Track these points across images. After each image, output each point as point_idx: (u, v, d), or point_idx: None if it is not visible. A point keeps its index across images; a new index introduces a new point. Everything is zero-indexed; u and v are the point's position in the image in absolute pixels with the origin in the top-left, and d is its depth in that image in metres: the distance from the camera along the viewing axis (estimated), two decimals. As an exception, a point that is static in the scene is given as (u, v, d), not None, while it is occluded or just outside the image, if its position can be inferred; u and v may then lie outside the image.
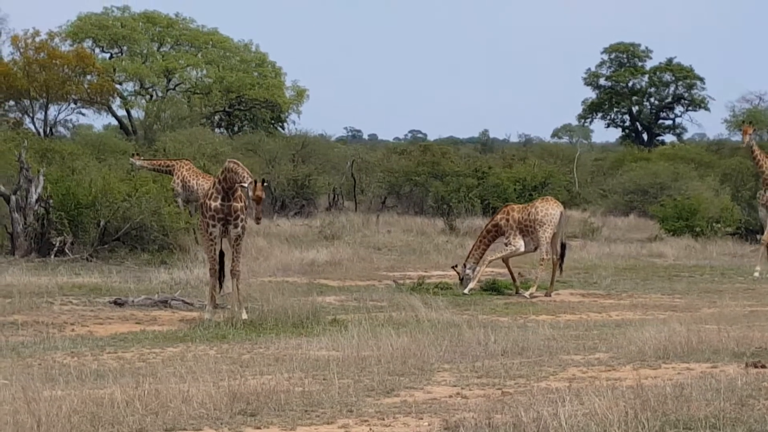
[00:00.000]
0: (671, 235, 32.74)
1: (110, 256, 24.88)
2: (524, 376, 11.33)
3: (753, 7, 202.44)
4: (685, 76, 76.83)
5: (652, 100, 78.36)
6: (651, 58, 78.37)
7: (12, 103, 50.34)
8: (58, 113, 51.95)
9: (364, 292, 20.53)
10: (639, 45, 78.39)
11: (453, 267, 22.28)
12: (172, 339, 15.10)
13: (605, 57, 78.21)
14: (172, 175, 30.51)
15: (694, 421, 8.72)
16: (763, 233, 25.60)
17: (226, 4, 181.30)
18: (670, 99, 78.03)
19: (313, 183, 41.63)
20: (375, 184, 44.21)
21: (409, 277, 22.82)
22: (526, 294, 20.87)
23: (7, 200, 24.92)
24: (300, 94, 60.59)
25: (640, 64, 77.99)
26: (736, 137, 58.17)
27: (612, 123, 79.52)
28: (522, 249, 21.64)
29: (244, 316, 16.64)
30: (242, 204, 17.20)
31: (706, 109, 77.59)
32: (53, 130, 51.26)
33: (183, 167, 30.62)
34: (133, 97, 57.09)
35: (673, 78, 77.35)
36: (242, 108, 59.79)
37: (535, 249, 21.65)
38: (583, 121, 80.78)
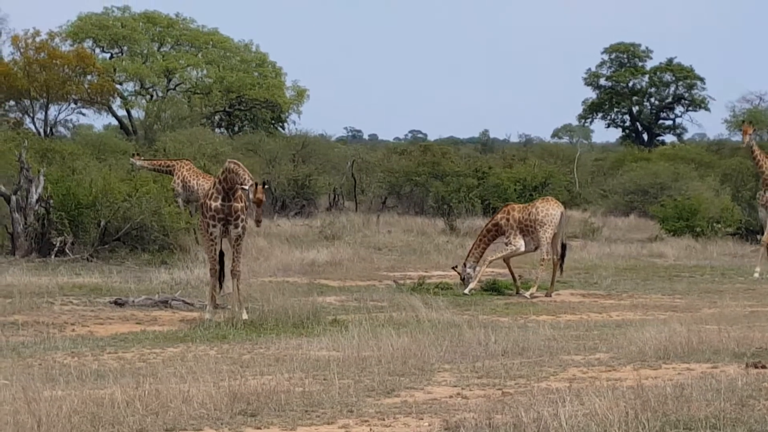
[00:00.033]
0: (671, 236, 32.73)
1: (111, 256, 24.88)
2: (525, 376, 11.33)
3: (753, 7, 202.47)
4: (686, 76, 76.85)
5: (652, 100, 78.38)
6: (651, 59, 78.50)
7: (12, 103, 50.37)
8: (59, 113, 52.04)
9: (364, 293, 20.52)
10: (639, 45, 78.51)
11: (453, 268, 22.28)
12: (173, 339, 15.09)
13: (605, 57, 78.30)
14: (173, 175, 30.51)
15: (694, 421, 8.72)
16: (763, 234, 25.60)
17: (226, 4, 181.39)
18: (670, 99, 78.05)
19: (314, 183, 41.63)
20: (375, 184, 44.21)
21: (410, 278, 22.82)
22: (527, 294, 20.86)
23: (8, 200, 24.92)
24: (300, 94, 60.61)
25: (640, 64, 78.02)
26: (737, 137, 58.18)
27: (612, 123, 79.56)
28: (522, 249, 21.64)
29: (245, 316, 16.63)
30: (243, 204, 17.20)
31: (707, 109, 77.69)
32: (53, 130, 51.28)
33: (183, 167, 30.63)
34: (133, 97, 57.12)
35: (674, 78, 77.36)
36: (242, 108, 59.79)
37: (536, 249, 21.64)
38: (583, 121, 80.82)
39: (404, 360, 12.19)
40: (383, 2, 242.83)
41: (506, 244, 21.67)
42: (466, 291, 21.09)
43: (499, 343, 13.33)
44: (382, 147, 66.37)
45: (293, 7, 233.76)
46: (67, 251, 24.58)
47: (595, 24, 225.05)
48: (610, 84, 78.03)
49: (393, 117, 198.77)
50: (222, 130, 58.71)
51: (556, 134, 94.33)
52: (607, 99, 77.84)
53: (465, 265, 21.79)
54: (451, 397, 10.35)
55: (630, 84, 77.66)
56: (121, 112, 56.47)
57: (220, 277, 17.66)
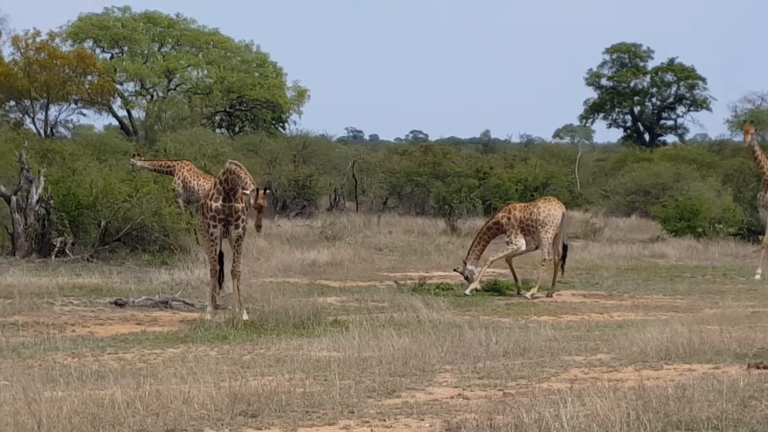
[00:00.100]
0: (673, 236, 32.71)
1: (111, 256, 24.87)
2: (526, 377, 11.31)
3: (754, 7, 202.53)
4: (687, 76, 76.85)
5: (653, 100, 78.38)
6: (653, 59, 78.49)
7: (13, 103, 50.40)
8: (59, 114, 52.07)
9: (365, 293, 20.50)
10: (641, 45, 78.50)
11: (455, 270, 22.25)
12: (173, 340, 15.08)
13: (607, 57, 78.30)
14: (173, 176, 30.50)
15: (696, 422, 8.71)
16: (764, 234, 25.57)
17: (227, 4, 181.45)
18: (671, 99, 78.05)
19: (314, 183, 41.62)
20: (376, 184, 44.20)
21: (411, 278, 22.80)
22: (528, 295, 20.84)
23: (8, 201, 24.91)
24: (301, 95, 60.62)
25: (641, 64, 78.02)
26: (738, 137, 58.08)
27: (614, 123, 79.57)
28: (523, 248, 21.61)
29: (245, 316, 16.61)
30: (243, 205, 17.17)
31: (708, 109, 77.70)
32: (54, 130, 51.30)
33: (184, 168, 30.62)
34: (133, 98, 57.14)
35: (675, 78, 77.36)
36: (243, 108, 59.80)
37: (536, 248, 21.61)
38: (584, 121, 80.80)
39: (405, 361, 12.18)
40: (384, 2, 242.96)
41: (507, 243, 21.65)
42: (467, 291, 21.07)
43: (501, 343, 13.31)
44: (383, 147, 66.36)
45: (294, 8, 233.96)
46: (68, 252, 24.57)
47: (596, 24, 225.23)
48: (611, 84, 78.02)
49: (394, 117, 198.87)
50: (223, 130, 58.73)
51: (557, 134, 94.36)
52: (609, 99, 77.84)
53: (465, 263, 21.78)
54: (452, 397, 10.34)
55: (631, 84, 77.67)
56: (122, 113, 56.53)
57: (219, 277, 17.64)
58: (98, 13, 58.21)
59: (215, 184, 17.49)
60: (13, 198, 24.77)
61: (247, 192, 16.72)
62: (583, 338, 14.50)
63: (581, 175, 47.71)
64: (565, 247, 21.70)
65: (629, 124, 79.12)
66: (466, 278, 21.67)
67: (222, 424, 9.21)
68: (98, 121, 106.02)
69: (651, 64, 78.20)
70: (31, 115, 50.55)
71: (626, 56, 77.78)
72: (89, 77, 50.62)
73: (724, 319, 15.21)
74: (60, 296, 18.88)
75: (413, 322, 16.01)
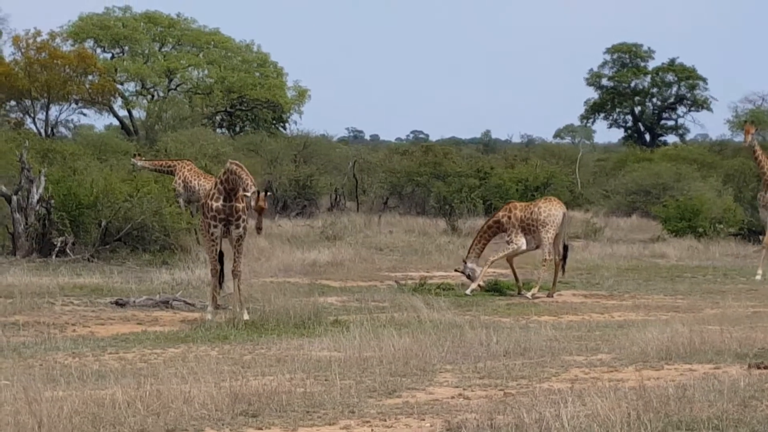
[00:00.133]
0: (674, 236, 32.71)
1: (111, 256, 24.88)
2: (526, 377, 11.31)
3: (754, 7, 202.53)
4: (688, 76, 76.85)
5: (654, 100, 78.39)
6: (653, 59, 78.51)
7: (13, 103, 50.42)
8: (60, 113, 52.09)
9: (365, 293, 20.50)
10: (641, 45, 78.52)
11: (456, 270, 22.24)
12: (174, 339, 15.08)
13: (607, 57, 78.31)
14: (174, 176, 30.51)
15: (696, 422, 8.71)
16: (764, 234, 25.57)
17: (227, 4, 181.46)
18: (672, 99, 78.06)
19: (315, 183, 41.63)
20: (377, 184, 44.21)
21: (411, 278, 22.80)
22: (529, 295, 20.84)
23: (9, 201, 24.91)
24: (301, 95, 60.62)
25: (642, 64, 78.02)
26: (739, 137, 58.02)
27: (614, 123, 79.58)
28: (524, 247, 21.60)
29: (246, 316, 16.61)
30: (244, 204, 17.17)
31: (709, 109, 77.71)
32: (54, 130, 51.31)
33: (184, 167, 30.63)
34: (134, 98, 57.16)
35: (676, 78, 77.37)
36: (244, 108, 59.81)
37: (536, 247, 21.60)
38: (585, 121, 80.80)
39: (406, 360, 12.17)
40: (384, 2, 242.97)
41: (507, 243, 21.65)
42: (468, 291, 21.07)
43: (501, 343, 13.31)
44: (383, 147, 66.38)
45: (294, 8, 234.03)
46: (68, 251, 24.57)
47: (597, 24, 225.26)
48: (612, 84, 78.03)
49: (394, 117, 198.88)
50: (223, 130, 58.74)
51: (558, 134, 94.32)
52: (609, 99, 77.84)
53: (465, 261, 21.77)
54: (452, 397, 10.34)
55: (632, 84, 77.67)
56: (123, 113, 56.56)
57: (220, 277, 17.65)
58: (99, 12, 58.27)
59: (216, 184, 17.49)
60: (14, 198, 24.78)
61: (248, 194, 16.72)
62: (583, 338, 14.50)
63: (582, 175, 47.71)
64: (565, 248, 21.70)
65: (630, 124, 79.13)
66: (468, 277, 21.67)
67: (223, 424, 9.21)
68: (99, 121, 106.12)
69: (652, 64, 78.32)
70: (32, 114, 50.57)
71: (627, 56, 77.78)
72: (90, 77, 50.64)
73: (724, 320, 15.21)
74: (61, 296, 18.88)
75: (414, 322, 16.01)
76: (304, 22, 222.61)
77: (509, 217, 21.61)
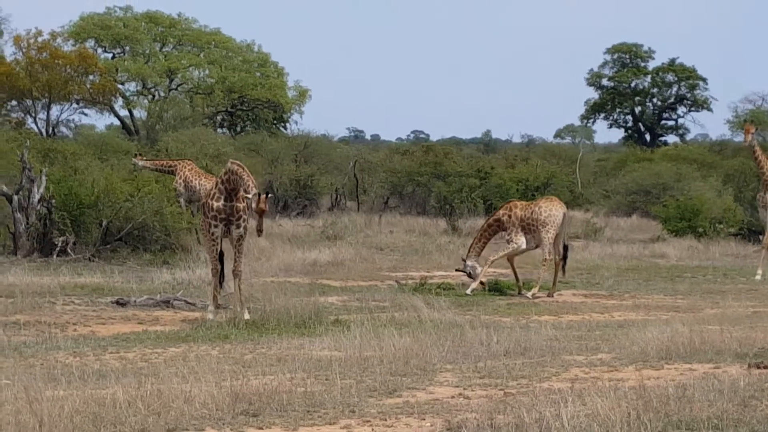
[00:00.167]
0: (674, 236, 32.73)
1: (112, 256, 24.90)
2: (526, 376, 11.32)
3: (754, 7, 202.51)
4: (688, 76, 76.87)
5: (654, 100, 78.40)
6: (654, 59, 78.54)
7: (14, 103, 50.41)
8: (61, 113, 52.09)
9: (366, 293, 20.52)
10: (642, 45, 78.54)
11: (456, 269, 22.26)
12: (175, 339, 15.09)
13: (608, 57, 78.33)
14: (175, 176, 30.53)
15: (696, 422, 8.72)
16: (764, 234, 25.59)
17: (228, 4, 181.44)
18: (672, 99, 78.07)
19: (316, 183, 41.66)
20: (377, 184, 44.23)
21: (412, 278, 22.82)
22: (529, 294, 20.86)
23: (10, 200, 24.94)
24: (302, 95, 60.64)
25: (642, 64, 78.03)
26: (739, 137, 58.05)
27: (615, 123, 79.59)
28: (524, 246, 21.62)
29: (247, 316, 16.63)
30: (244, 204, 17.18)
31: (709, 109, 77.74)
32: (55, 130, 51.32)
33: (185, 167, 30.65)
34: (135, 97, 57.19)
35: (676, 78, 77.38)
36: (244, 108, 59.83)
37: (536, 247, 21.62)
38: (585, 121, 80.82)
39: (406, 360, 12.19)
40: (384, 2, 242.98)
41: (507, 242, 21.67)
42: (469, 291, 21.09)
43: (501, 343, 13.32)
44: (384, 147, 66.39)
45: (295, 8, 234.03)
46: (69, 251, 24.59)
47: (597, 24, 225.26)
48: (612, 84, 78.04)
49: (395, 117, 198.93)
50: (224, 130, 58.77)
51: (558, 134, 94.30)
52: (610, 99, 77.86)
53: (465, 260, 21.79)
54: (453, 397, 10.35)
55: (632, 84, 77.68)
56: (123, 112, 56.59)
57: (219, 276, 17.66)
58: (100, 12, 58.30)
59: (216, 184, 17.50)
60: (15, 197, 24.81)
61: (249, 196, 16.72)
62: (583, 338, 14.52)
63: (582, 175, 47.72)
64: (566, 248, 21.71)
65: (630, 124, 79.14)
66: (469, 275, 21.69)
67: (223, 424, 9.22)
68: (100, 120, 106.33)
69: (652, 65, 78.34)
70: (33, 114, 50.58)
71: (627, 56, 77.79)
72: (91, 77, 50.65)
73: (724, 319, 15.22)
74: (62, 295, 18.89)
75: (414, 322, 16.02)
76: (304, 22, 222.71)
77: (509, 216, 21.62)
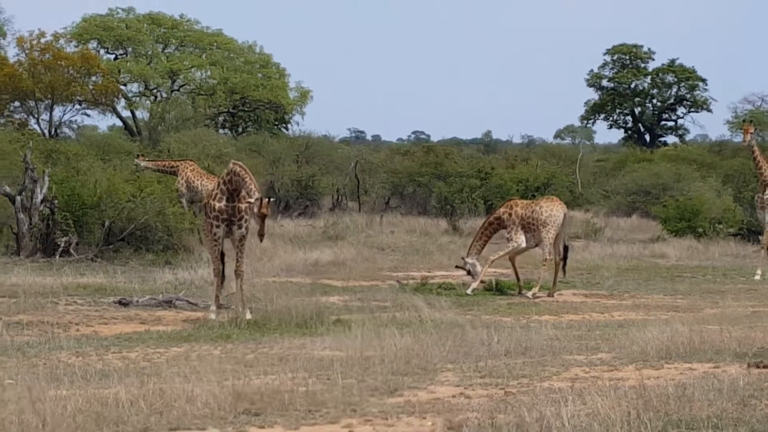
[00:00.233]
0: (673, 236, 32.76)
1: (115, 256, 24.94)
2: (527, 376, 11.36)
3: (754, 8, 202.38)
4: (688, 77, 76.83)
5: (654, 101, 78.36)
6: (653, 60, 78.48)
7: (17, 104, 50.45)
8: (63, 114, 52.14)
9: (367, 293, 20.56)
10: (641, 46, 78.47)
11: (457, 266, 22.30)
12: (177, 339, 15.12)
13: (608, 58, 78.27)
14: (177, 176, 30.57)
15: (696, 421, 8.76)
16: (763, 235, 25.62)
17: (230, 5, 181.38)
18: (672, 100, 78.03)
19: (317, 184, 41.68)
20: (378, 184, 44.24)
21: (413, 278, 22.85)
22: (529, 294, 20.89)
23: (13, 201, 24.98)
24: (304, 95, 60.69)
25: (642, 65, 77.97)
26: (738, 138, 58.12)
27: (614, 124, 79.54)
28: (523, 245, 21.66)
29: (248, 316, 16.67)
30: (246, 205, 17.20)
31: (709, 110, 77.67)
32: (58, 130, 51.35)
33: (187, 168, 30.69)
34: (137, 98, 57.25)
35: (676, 79, 77.33)
36: (246, 109, 59.87)
37: (536, 245, 21.66)
38: (585, 122, 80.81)
39: (407, 360, 12.22)
40: (384, 3, 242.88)
41: (507, 240, 21.70)
42: (469, 291, 21.12)
43: (502, 342, 13.36)
44: (385, 148, 66.38)
45: (297, 9, 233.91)
46: (72, 251, 24.63)
47: (597, 25, 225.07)
48: (612, 85, 78.00)
49: (396, 118, 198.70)
50: (226, 131, 58.82)
51: (558, 135, 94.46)
52: (610, 100, 77.82)
53: (465, 259, 21.82)
54: (454, 396, 10.38)
55: (632, 85, 77.64)
56: (126, 113, 56.61)
57: (221, 276, 17.70)
58: (102, 14, 58.38)
59: (218, 185, 17.53)
60: (18, 198, 24.85)
61: (252, 200, 16.73)
62: (584, 337, 14.54)
63: (582, 175, 47.72)
64: (566, 248, 21.75)
65: (630, 124, 79.10)
66: (468, 272, 21.73)
67: (225, 423, 9.25)
68: (102, 121, 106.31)
69: (652, 65, 78.28)
70: (36, 115, 50.65)
71: (627, 57, 77.75)
72: (93, 78, 50.69)
73: (724, 319, 15.25)
74: (64, 296, 18.92)
75: (415, 322, 16.04)
76: (306, 23, 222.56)
77: (510, 214, 21.67)
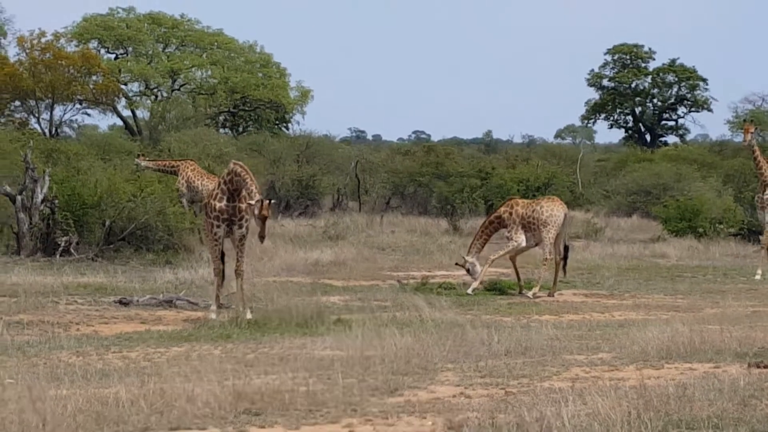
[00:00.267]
0: (674, 236, 32.76)
1: (115, 255, 24.95)
2: (527, 375, 11.36)
3: (754, 8, 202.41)
4: (688, 77, 76.82)
5: (655, 101, 78.35)
6: (654, 59, 78.46)
7: (18, 103, 50.46)
8: (64, 114, 52.14)
9: (368, 292, 20.57)
10: (642, 46, 78.45)
11: (456, 263, 22.30)
12: (177, 338, 15.12)
13: (608, 58, 78.25)
14: (177, 176, 30.58)
15: (696, 421, 8.77)
16: (763, 235, 25.62)
17: (231, 5, 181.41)
18: (673, 100, 78.02)
19: (318, 183, 41.68)
20: (379, 184, 44.25)
21: (413, 277, 22.86)
22: (530, 294, 20.90)
23: (13, 200, 24.99)
24: (304, 95, 60.69)
25: (643, 65, 77.95)
26: (739, 138, 58.06)
27: (615, 124, 79.54)
28: (523, 244, 21.66)
29: (249, 315, 16.67)
30: (246, 204, 17.20)
31: (709, 110, 77.66)
32: (59, 130, 51.36)
33: (188, 167, 30.70)
34: (138, 98, 57.24)
35: (676, 79, 77.32)
36: (247, 108, 59.87)
37: (536, 245, 21.67)
38: (586, 122, 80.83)
39: (408, 359, 12.22)
40: (385, 3, 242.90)
41: (508, 239, 21.71)
42: (470, 291, 21.13)
43: (502, 342, 13.37)
44: (385, 147, 66.39)
45: (297, 9, 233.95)
46: (72, 251, 24.64)
47: (598, 25, 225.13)
48: (612, 85, 78.00)
49: (396, 118, 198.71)
50: (226, 130, 58.82)
51: (559, 135, 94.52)
52: (610, 100, 77.81)
53: (465, 258, 21.83)
54: (454, 396, 10.39)
55: (633, 85, 77.63)
56: (126, 113, 56.60)
57: (221, 276, 17.71)
58: (103, 13, 58.37)
59: (219, 185, 17.53)
60: (19, 197, 24.86)
61: (252, 202, 16.73)
62: (584, 337, 14.55)
63: (583, 175, 47.72)
64: (566, 248, 21.76)
65: (630, 124, 79.10)
66: (468, 271, 21.74)
67: (226, 423, 9.26)
68: (103, 121, 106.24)
69: (652, 65, 78.25)
70: (36, 115, 50.65)
71: (627, 57, 77.74)
72: (94, 77, 50.69)
73: (724, 319, 15.26)
74: (65, 295, 18.93)
75: (416, 321, 16.05)
76: (306, 23, 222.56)
77: (510, 213, 21.68)
